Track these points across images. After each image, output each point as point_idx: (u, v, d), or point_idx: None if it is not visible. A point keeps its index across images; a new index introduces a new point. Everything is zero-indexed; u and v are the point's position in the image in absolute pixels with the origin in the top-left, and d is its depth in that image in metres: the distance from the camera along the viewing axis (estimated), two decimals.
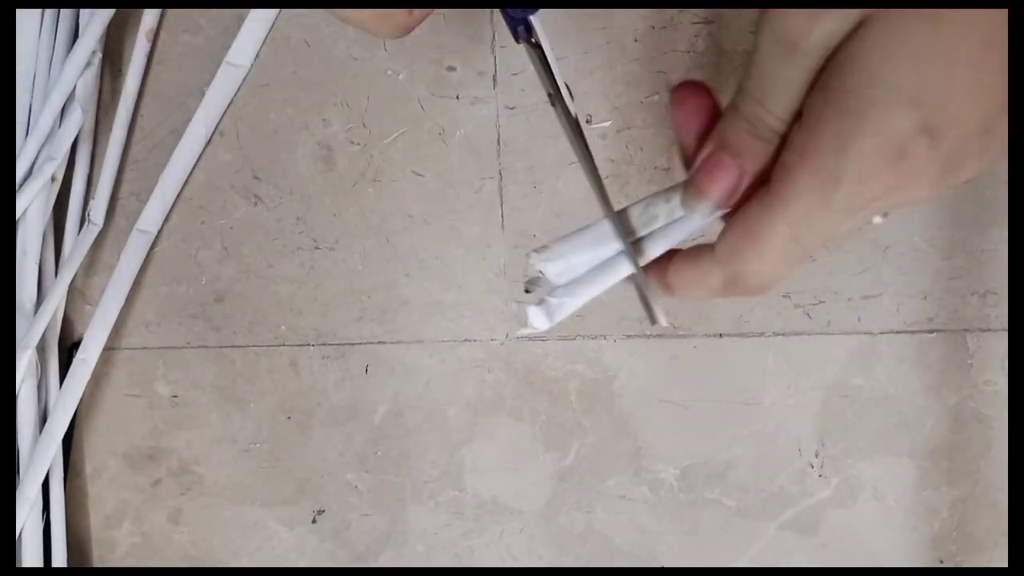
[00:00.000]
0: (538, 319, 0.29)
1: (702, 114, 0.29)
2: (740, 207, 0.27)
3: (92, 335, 0.56)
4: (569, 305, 0.29)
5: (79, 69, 0.53)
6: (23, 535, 0.55)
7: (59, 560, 0.56)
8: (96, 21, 0.53)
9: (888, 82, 0.23)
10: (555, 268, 0.29)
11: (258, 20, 0.55)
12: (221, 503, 0.58)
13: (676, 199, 0.29)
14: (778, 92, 0.25)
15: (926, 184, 0.25)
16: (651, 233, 0.29)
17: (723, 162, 0.27)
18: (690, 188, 0.28)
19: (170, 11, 0.56)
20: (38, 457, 0.55)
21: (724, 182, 0.27)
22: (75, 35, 0.55)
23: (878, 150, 0.24)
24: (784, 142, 0.26)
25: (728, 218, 0.28)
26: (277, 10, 0.55)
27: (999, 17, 0.23)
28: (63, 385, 0.56)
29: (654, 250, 0.29)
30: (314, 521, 0.58)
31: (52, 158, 0.54)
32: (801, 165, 0.25)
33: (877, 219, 0.29)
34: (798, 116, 0.26)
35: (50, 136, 0.54)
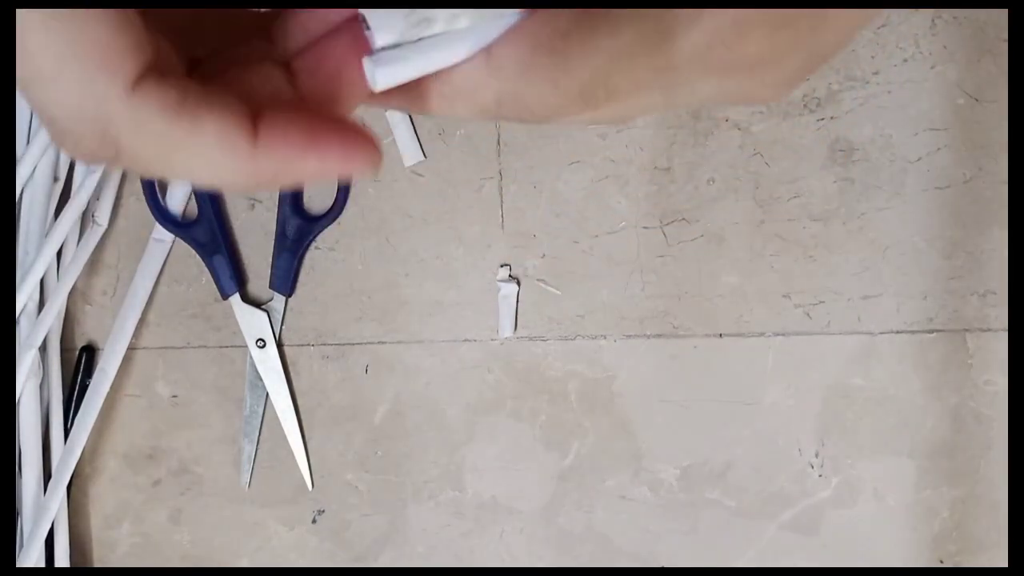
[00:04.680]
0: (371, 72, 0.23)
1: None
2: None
3: (111, 348, 0.56)
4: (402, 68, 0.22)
5: None
6: (26, 537, 0.55)
7: (62, 560, 0.56)
8: None
9: None
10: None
11: None
12: (221, 503, 0.58)
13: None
14: None
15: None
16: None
17: None
18: None
19: None
20: (57, 475, 0.56)
21: None
22: None
23: None
24: None
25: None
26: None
27: None
28: (84, 398, 0.56)
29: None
30: (314, 521, 0.58)
31: (54, 158, 0.54)
32: None
33: None
34: None
35: None
